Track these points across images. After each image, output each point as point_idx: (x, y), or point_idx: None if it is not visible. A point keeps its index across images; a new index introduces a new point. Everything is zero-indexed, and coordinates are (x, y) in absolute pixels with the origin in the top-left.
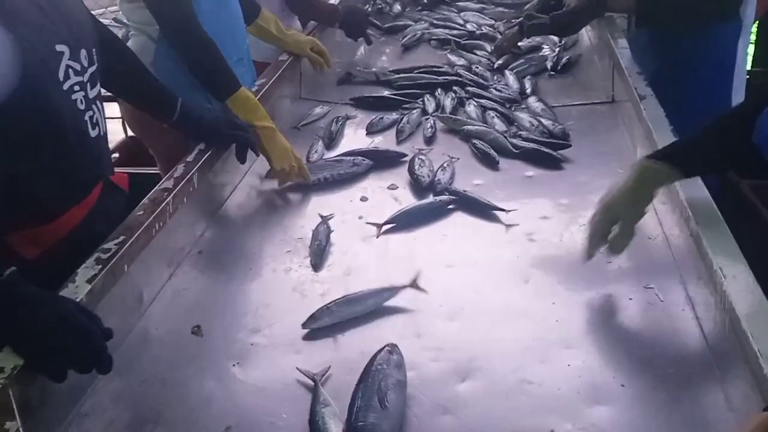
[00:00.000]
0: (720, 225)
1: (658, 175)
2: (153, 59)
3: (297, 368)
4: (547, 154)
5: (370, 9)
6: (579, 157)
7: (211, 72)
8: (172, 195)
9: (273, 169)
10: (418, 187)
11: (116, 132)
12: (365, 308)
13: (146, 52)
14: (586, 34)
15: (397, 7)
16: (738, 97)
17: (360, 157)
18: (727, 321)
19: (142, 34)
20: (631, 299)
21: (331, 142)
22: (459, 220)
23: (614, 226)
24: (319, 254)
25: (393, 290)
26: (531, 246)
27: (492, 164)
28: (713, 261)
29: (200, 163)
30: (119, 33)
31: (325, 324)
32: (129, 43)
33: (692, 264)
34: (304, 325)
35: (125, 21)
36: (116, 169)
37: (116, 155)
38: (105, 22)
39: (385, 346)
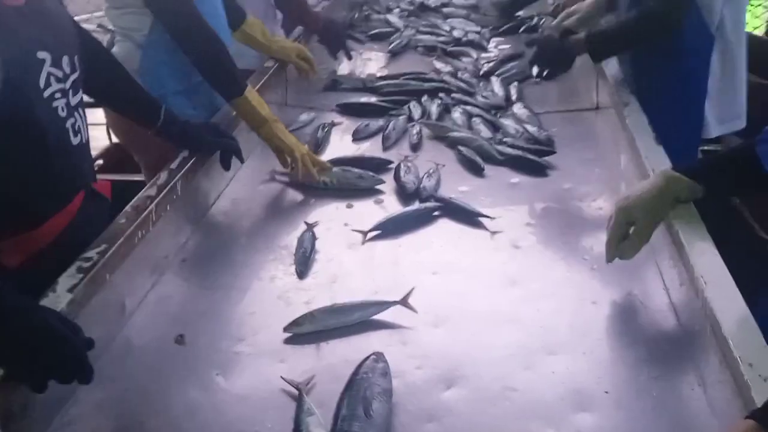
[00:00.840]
0: (702, 232)
1: (683, 188)
2: (138, 65)
3: (281, 377)
4: (532, 160)
5: (357, 15)
6: (563, 164)
7: (222, 70)
8: (155, 203)
9: (294, 160)
10: (404, 193)
11: (100, 138)
12: (350, 320)
13: (132, 58)
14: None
15: (394, 18)
16: (718, 105)
17: (370, 173)
18: (709, 327)
19: (128, 40)
20: (614, 306)
21: (317, 148)
22: (444, 227)
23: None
24: (303, 262)
25: (382, 305)
26: (516, 253)
27: (477, 171)
28: (695, 268)
29: (184, 170)
30: (104, 39)
31: (306, 330)
32: (114, 49)
33: (675, 271)
34: (285, 329)
35: (110, 27)
36: (99, 177)
37: (100, 162)
38: (90, 27)
39: (371, 355)
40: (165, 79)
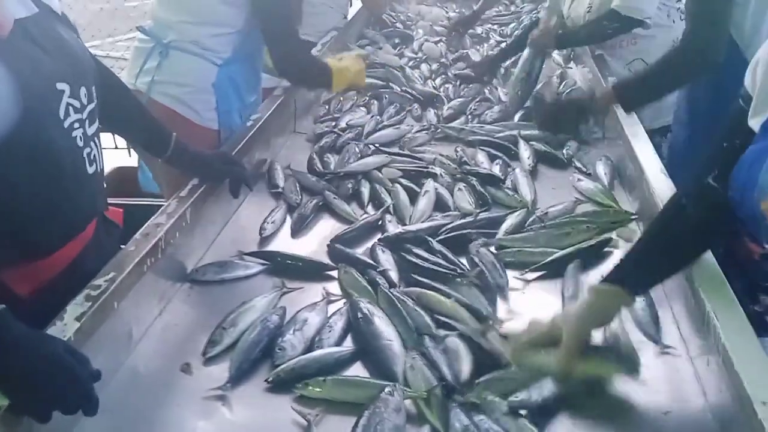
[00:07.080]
0: (712, 267)
1: (610, 299)
2: (214, 81)
3: (292, 407)
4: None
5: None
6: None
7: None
8: (164, 230)
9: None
10: None
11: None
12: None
13: (207, 74)
14: (579, 73)
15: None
16: None
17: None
18: (721, 363)
19: (204, 58)
20: None
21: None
22: None
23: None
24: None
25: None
26: (528, 287)
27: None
28: (706, 303)
29: (193, 198)
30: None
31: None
32: (180, 61)
33: (685, 306)
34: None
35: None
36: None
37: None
38: (99, 54)
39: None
40: (232, 96)
